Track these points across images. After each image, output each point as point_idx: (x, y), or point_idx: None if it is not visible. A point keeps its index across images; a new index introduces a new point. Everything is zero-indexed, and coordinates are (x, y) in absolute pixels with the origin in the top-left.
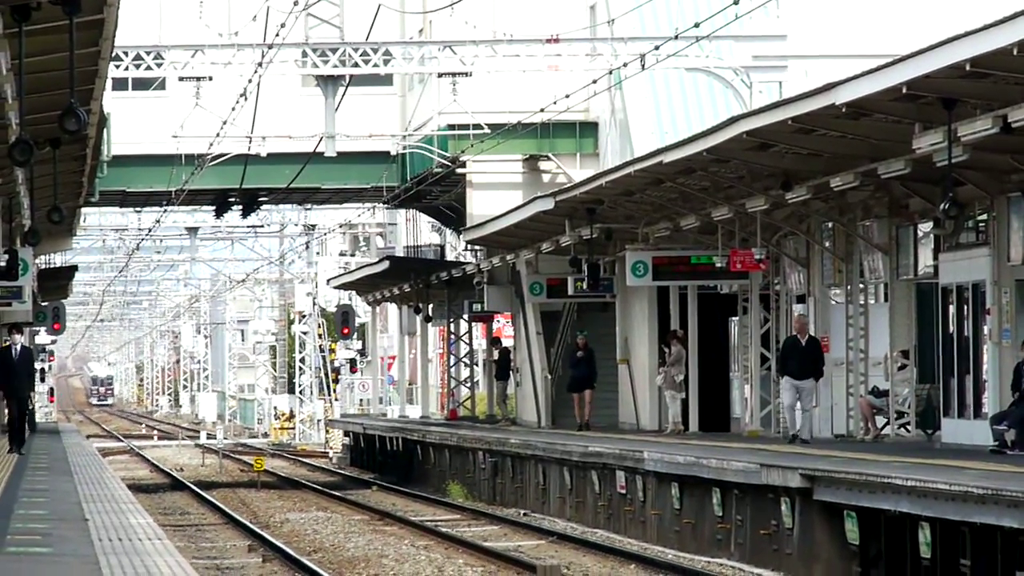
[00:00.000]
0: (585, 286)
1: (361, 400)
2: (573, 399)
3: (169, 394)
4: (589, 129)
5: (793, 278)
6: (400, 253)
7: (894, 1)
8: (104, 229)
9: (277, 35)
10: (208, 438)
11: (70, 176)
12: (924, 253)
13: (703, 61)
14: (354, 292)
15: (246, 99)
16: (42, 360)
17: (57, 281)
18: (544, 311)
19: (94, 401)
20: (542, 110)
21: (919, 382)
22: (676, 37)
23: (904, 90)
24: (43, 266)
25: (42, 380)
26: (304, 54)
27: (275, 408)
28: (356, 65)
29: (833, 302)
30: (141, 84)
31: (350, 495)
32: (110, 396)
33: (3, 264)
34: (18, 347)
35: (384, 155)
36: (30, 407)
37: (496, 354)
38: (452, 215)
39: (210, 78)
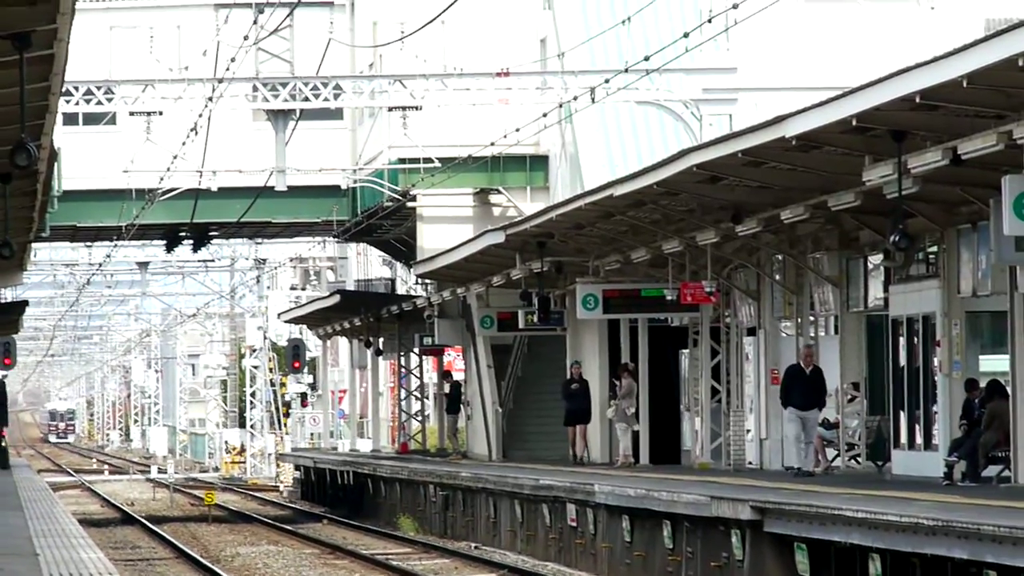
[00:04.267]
0: (536, 319)
1: (312, 434)
2: (567, 433)
3: (120, 428)
4: (539, 162)
5: (743, 311)
6: (351, 287)
7: (844, 34)
8: (55, 264)
9: (227, 69)
10: (159, 472)
11: (20, 211)
12: (874, 285)
13: (653, 94)
14: (305, 326)
15: (196, 133)
16: None
17: (8, 316)
18: (495, 344)
19: (52, 439)
20: (492, 143)
21: (869, 414)
22: (626, 70)
23: (854, 122)
24: None
25: None
26: (254, 88)
27: (226, 442)
28: (306, 99)
29: (783, 335)
30: (92, 119)
31: (301, 529)
32: (71, 432)
33: None
34: None
35: (334, 189)
36: (2, 444)
37: (447, 387)
38: (403, 249)
39: (160, 112)
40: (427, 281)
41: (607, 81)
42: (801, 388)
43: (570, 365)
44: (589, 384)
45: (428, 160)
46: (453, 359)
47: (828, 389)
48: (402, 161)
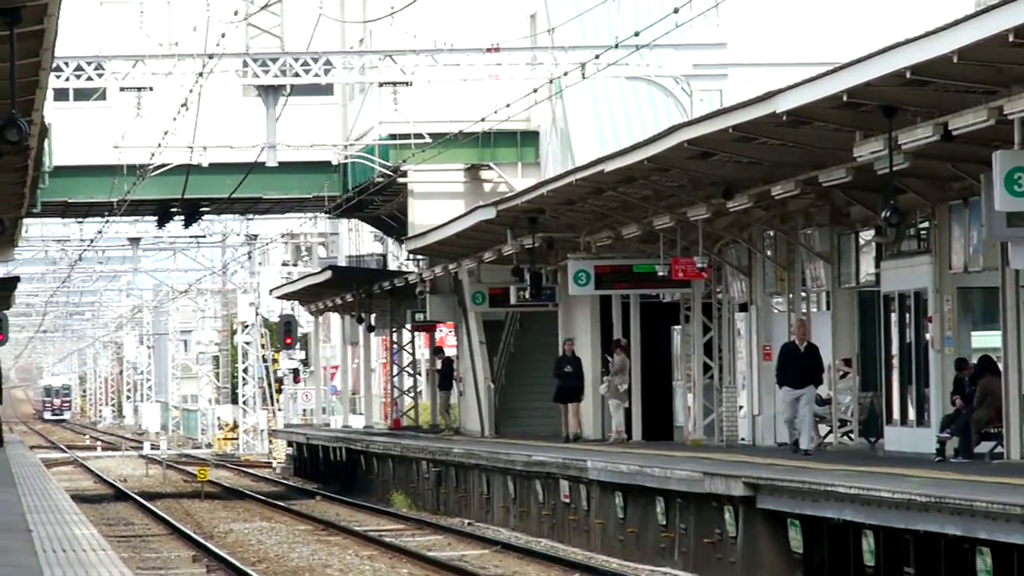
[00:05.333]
0: (527, 295)
1: (304, 410)
2: (560, 409)
3: (112, 405)
4: (530, 138)
5: (735, 287)
6: (342, 263)
7: (834, 9)
8: (46, 240)
9: (218, 45)
10: (152, 449)
11: (11, 187)
12: (866, 261)
13: (643, 70)
14: (297, 302)
15: (187, 109)
16: None
17: None
18: (487, 320)
19: (47, 416)
20: (483, 119)
21: (862, 390)
22: (616, 46)
23: (845, 98)
24: None
25: None
26: (245, 64)
27: (218, 418)
28: (297, 75)
29: (775, 311)
30: (82, 94)
31: (294, 505)
32: (67, 409)
33: None
34: None
35: (325, 165)
36: None
37: (439, 363)
38: (394, 225)
39: (151, 88)
40: (419, 257)
41: (597, 57)
42: (795, 366)
43: (563, 343)
44: (582, 361)
45: (419, 136)
46: (445, 335)
47: (823, 366)
48: (393, 137)
